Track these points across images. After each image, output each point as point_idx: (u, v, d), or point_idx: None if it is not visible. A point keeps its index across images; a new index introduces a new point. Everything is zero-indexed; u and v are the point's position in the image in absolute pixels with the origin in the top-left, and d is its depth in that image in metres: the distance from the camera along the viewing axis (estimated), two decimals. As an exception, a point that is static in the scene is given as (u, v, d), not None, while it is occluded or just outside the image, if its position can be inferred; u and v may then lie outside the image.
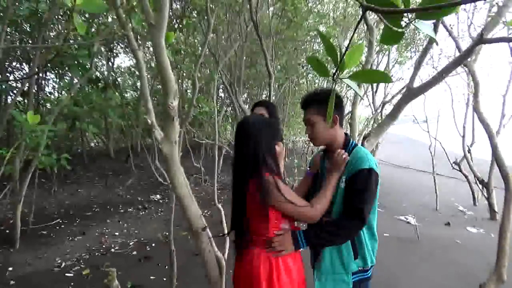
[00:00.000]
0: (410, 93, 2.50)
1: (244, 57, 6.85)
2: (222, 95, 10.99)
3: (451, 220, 5.78)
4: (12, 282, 3.45)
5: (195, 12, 5.46)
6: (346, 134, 1.71)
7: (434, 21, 2.51)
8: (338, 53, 0.89)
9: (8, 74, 6.67)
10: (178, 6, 6.10)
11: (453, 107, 7.41)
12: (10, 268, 3.65)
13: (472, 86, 5.09)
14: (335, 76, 0.91)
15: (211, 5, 4.86)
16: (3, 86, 5.77)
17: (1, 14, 3.05)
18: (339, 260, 1.60)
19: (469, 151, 6.92)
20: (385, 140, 11.42)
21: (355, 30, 0.87)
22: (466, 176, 7.02)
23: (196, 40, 7.08)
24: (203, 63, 7.65)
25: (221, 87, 9.78)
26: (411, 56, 8.53)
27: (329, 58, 0.93)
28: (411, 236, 4.76)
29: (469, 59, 3.38)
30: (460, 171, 7.12)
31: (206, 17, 4.85)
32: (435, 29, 2.60)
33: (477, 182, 6.60)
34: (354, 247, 1.60)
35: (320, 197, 1.58)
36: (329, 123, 1.61)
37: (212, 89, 6.55)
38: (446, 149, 7.33)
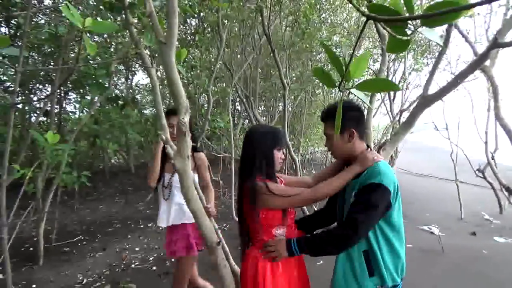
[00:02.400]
0: (425, 100, 2.46)
1: (259, 70, 6.91)
2: (239, 108, 11.05)
3: (477, 230, 5.58)
4: (35, 299, 3.51)
5: (210, 28, 5.56)
6: (368, 146, 1.65)
7: (446, 26, 2.48)
8: (343, 63, 0.88)
9: (31, 96, 6.91)
10: (193, 22, 6.22)
11: (473, 113, 7.26)
12: (34, 286, 3.71)
13: (491, 91, 4.98)
14: (341, 87, 0.91)
15: (224, 21, 4.95)
16: (26, 107, 5.97)
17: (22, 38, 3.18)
18: (352, 275, 1.51)
19: (492, 157, 6.72)
20: (405, 148, 11.22)
21: (358, 38, 0.87)
22: (490, 184, 6.79)
23: (211, 55, 7.19)
24: (219, 77, 7.75)
25: (237, 100, 9.85)
26: (427, 63, 8.41)
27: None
28: (435, 247, 4.60)
29: (487, 64, 3.32)
30: (484, 178, 6.89)
31: (218, 33, 4.94)
32: (448, 35, 2.56)
33: (503, 189, 6.38)
34: (369, 263, 1.48)
35: (326, 182, 1.59)
36: (344, 136, 1.56)
37: (228, 102, 6.63)
38: (468, 156, 7.13)
